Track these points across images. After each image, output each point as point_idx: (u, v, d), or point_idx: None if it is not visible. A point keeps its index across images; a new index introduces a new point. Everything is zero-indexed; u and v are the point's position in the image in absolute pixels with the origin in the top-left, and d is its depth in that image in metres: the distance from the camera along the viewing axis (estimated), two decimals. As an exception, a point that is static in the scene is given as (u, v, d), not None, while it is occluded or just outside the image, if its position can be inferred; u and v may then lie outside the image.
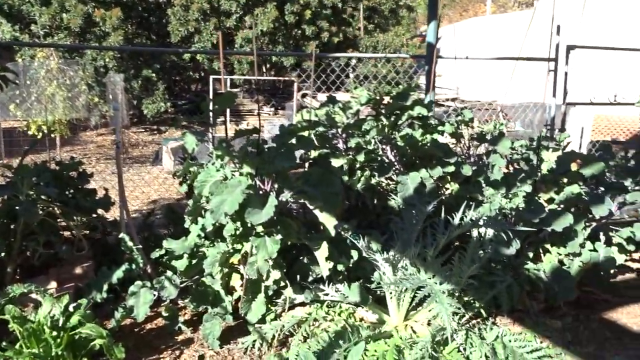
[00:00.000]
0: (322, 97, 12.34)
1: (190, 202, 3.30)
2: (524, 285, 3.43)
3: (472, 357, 2.76)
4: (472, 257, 3.33)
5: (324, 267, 3.05)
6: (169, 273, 3.39)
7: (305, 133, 3.89)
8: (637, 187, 3.41)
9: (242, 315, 3.18)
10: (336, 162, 4.08)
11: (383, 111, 4.29)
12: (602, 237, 3.64)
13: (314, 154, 3.87)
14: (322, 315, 3.27)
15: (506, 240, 3.33)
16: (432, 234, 3.36)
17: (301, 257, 3.46)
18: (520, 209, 3.35)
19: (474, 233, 3.33)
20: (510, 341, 2.88)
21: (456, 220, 3.28)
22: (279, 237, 2.90)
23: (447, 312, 2.58)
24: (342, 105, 4.32)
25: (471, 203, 3.81)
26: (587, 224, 3.55)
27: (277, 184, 3.06)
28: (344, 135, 4.39)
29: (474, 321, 3.25)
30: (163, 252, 3.46)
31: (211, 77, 8.25)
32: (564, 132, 4.97)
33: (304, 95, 10.84)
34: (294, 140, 3.30)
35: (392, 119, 4.16)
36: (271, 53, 14.25)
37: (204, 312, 3.15)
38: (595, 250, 3.52)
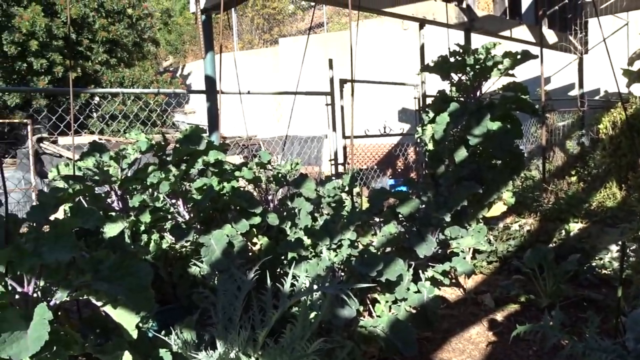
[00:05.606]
0: (64, 141, 10.58)
1: None
2: (360, 346, 3.03)
3: None
4: (303, 325, 2.81)
5: (129, 389, 2.15)
6: None
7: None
8: (452, 222, 3.35)
9: None
10: (113, 228, 3.15)
11: (169, 159, 3.52)
12: (421, 275, 3.51)
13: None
14: None
15: (340, 299, 2.90)
16: (259, 306, 2.73)
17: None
18: (352, 261, 2.95)
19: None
20: None
21: (286, 287, 2.72)
22: (57, 362, 1.91)
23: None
24: (115, 154, 3.41)
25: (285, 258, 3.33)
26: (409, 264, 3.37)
27: (43, 280, 2.06)
28: (119, 192, 3.47)
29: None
30: None
31: None
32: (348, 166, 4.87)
33: (40, 140, 9.10)
34: (60, 212, 2.32)
35: (183, 167, 3.41)
36: (27, 89, 11.85)
37: None
38: (419, 291, 3.33)
